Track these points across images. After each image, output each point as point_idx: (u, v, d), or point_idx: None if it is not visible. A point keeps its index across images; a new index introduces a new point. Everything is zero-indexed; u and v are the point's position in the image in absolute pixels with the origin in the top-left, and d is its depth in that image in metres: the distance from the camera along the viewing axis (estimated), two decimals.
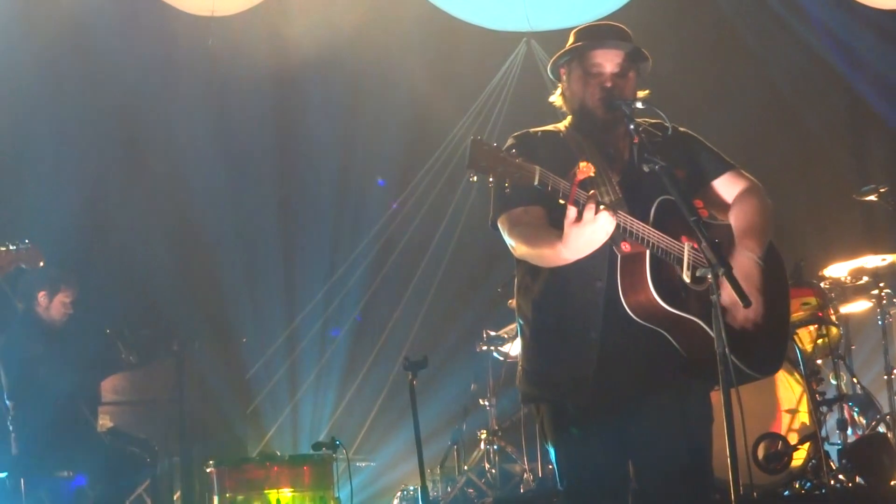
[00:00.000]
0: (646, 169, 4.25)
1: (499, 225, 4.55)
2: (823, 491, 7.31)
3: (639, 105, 4.40)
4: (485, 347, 9.14)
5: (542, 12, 11.04)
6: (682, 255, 4.29)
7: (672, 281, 4.26)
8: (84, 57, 10.62)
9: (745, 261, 4.41)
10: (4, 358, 8.25)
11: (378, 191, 11.79)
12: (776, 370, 4.91)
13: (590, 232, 4.07)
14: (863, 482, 7.43)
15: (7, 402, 8.29)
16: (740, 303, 4.08)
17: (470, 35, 11.39)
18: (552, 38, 11.01)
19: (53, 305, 8.39)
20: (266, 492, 7.03)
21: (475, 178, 4.00)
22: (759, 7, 11.39)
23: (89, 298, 8.62)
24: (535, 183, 4.00)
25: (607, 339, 4.35)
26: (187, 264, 10.80)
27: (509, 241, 4.50)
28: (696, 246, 4.28)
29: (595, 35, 4.62)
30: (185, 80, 10.90)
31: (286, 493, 7.03)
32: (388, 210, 11.69)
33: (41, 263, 6.14)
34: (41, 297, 8.35)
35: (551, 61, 4.69)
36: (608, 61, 4.53)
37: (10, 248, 6.04)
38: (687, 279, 4.27)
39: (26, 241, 6.13)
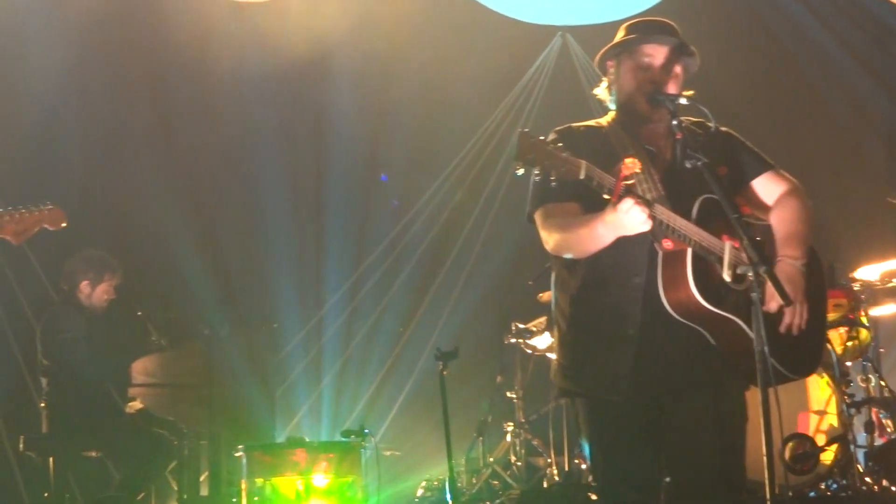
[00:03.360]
0: (688, 165, 4.24)
1: (535, 217, 4.56)
2: (850, 493, 7.30)
3: (683, 101, 4.40)
4: (513, 340, 9.14)
5: (577, 6, 11.04)
6: (723, 254, 4.28)
7: (712, 279, 4.25)
8: (114, 42, 10.65)
9: (788, 267, 4.41)
10: (44, 336, 8.31)
11: (404, 183, 11.77)
12: (812, 372, 4.93)
13: (620, 219, 4.10)
14: (889, 485, 7.42)
15: (41, 378, 8.36)
16: (780, 302, 4.09)
17: (504, 28, 11.39)
18: (587, 33, 11.05)
19: (96, 294, 8.45)
20: (294, 477, 7.06)
21: (521, 171, 4.01)
22: (794, 4, 11.37)
23: (123, 282, 8.65)
24: (582, 177, 4.01)
25: (645, 335, 4.36)
26: (219, 249, 10.82)
27: (543, 233, 4.52)
28: (736, 245, 4.28)
29: (645, 29, 4.63)
30: (214, 66, 10.91)
31: (314, 478, 7.05)
32: (413, 191, 11.68)
33: (63, 224, 6.15)
34: (84, 285, 8.42)
35: (599, 53, 4.69)
36: (656, 55, 4.54)
37: (33, 210, 6.07)
38: (727, 278, 4.26)
39: (48, 202, 6.16)
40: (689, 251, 4.20)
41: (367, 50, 11.23)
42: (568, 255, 4.50)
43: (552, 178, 3.99)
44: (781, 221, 4.59)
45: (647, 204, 4.09)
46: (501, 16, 11.44)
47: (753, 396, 4.16)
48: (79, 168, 10.33)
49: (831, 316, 7.96)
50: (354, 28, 11.00)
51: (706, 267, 4.25)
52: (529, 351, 9.13)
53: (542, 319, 8.90)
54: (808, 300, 4.43)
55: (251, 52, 10.94)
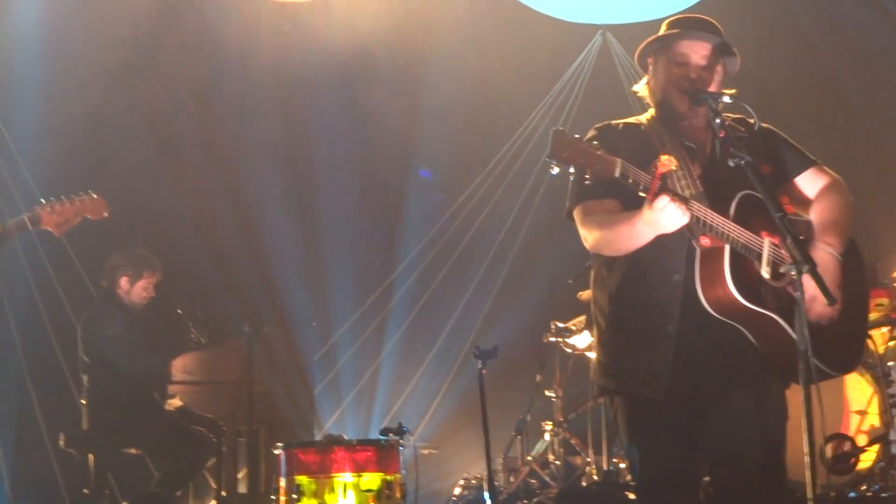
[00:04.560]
0: (731, 164, 4.21)
1: (574, 215, 4.56)
2: (891, 494, 7.23)
3: (726, 99, 4.36)
4: (552, 338, 9.11)
5: (618, 5, 11.01)
6: (762, 251, 4.26)
7: (751, 277, 4.23)
8: (159, 42, 10.71)
9: (823, 255, 4.39)
10: (85, 334, 8.36)
11: (444, 181, 11.77)
12: (853, 368, 4.90)
13: (655, 217, 4.08)
14: None
15: (82, 375, 8.41)
16: (821, 299, 4.06)
17: (545, 26, 11.38)
18: (628, 31, 11.01)
19: (134, 290, 8.50)
20: (332, 475, 7.04)
21: (556, 170, 4.00)
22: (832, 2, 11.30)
23: (164, 280, 8.69)
24: (616, 175, 4.00)
25: (684, 332, 4.34)
26: (260, 247, 10.85)
27: (582, 230, 4.51)
28: (775, 242, 4.25)
29: (687, 25, 4.61)
30: (257, 65, 10.95)
31: (352, 476, 7.04)
32: (454, 189, 11.68)
33: (105, 214, 6.15)
34: (123, 281, 8.47)
35: (639, 50, 4.68)
36: (695, 52, 4.52)
37: (74, 199, 6.07)
38: (766, 275, 4.24)
39: (90, 191, 6.16)
40: (727, 248, 4.18)
41: (409, 49, 11.25)
42: (607, 253, 4.48)
43: (587, 176, 3.97)
44: (821, 212, 4.57)
45: (684, 200, 4.07)
46: (543, 15, 11.42)
47: (794, 395, 4.13)
48: (122, 166, 10.38)
49: (873, 315, 7.89)
50: (396, 27, 11.02)
51: (744, 264, 4.23)
52: (569, 350, 9.09)
53: (582, 318, 8.87)
54: (844, 292, 4.40)
55: (294, 51, 11.01)
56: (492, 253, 11.53)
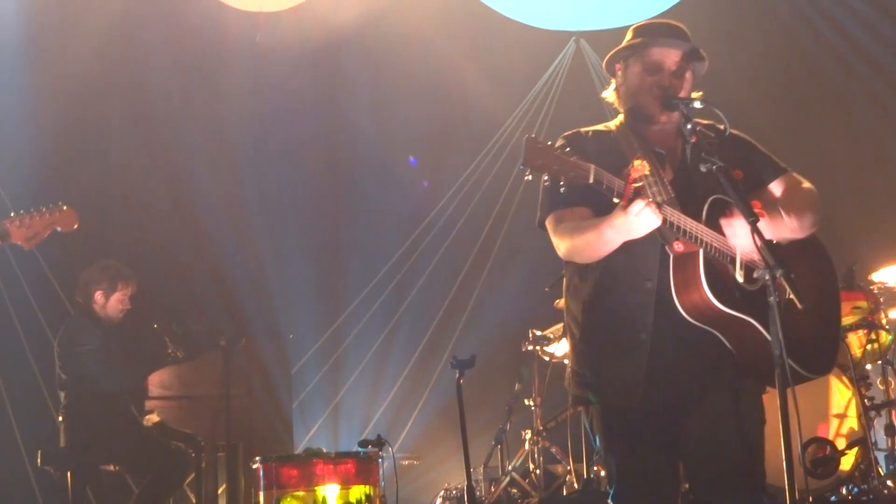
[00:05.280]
0: (703, 169, 4.19)
1: (546, 224, 4.54)
2: (871, 497, 7.24)
3: (697, 105, 4.35)
4: (530, 347, 9.10)
5: (591, 11, 11.04)
6: (735, 255, 4.26)
7: (725, 281, 4.23)
8: (131, 53, 10.69)
9: (769, 221, 4.35)
10: (61, 350, 8.31)
11: (423, 189, 11.76)
12: (829, 369, 4.89)
13: (631, 221, 4.07)
14: None
15: (59, 392, 8.36)
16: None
17: (519, 33, 11.40)
18: (601, 38, 11.03)
19: (110, 304, 8.43)
20: (312, 488, 7.01)
21: (530, 177, 3.98)
22: (808, 4, 11.34)
23: (138, 294, 8.64)
24: (591, 181, 3.99)
25: (658, 340, 4.33)
26: (234, 260, 10.82)
27: (555, 239, 4.51)
28: None
29: (654, 32, 4.60)
30: (231, 75, 10.94)
31: (332, 489, 7.01)
32: (428, 199, 11.67)
33: (76, 226, 6.09)
34: (98, 295, 8.39)
35: (608, 56, 4.67)
36: (666, 59, 4.52)
37: (43, 212, 6.01)
38: (740, 279, 4.24)
39: (60, 203, 6.10)
40: (701, 252, 4.17)
41: (381, 57, 11.27)
42: (579, 261, 4.47)
43: (561, 183, 3.96)
44: (786, 200, 4.56)
45: (658, 205, 4.06)
46: (516, 22, 11.45)
47: (772, 399, 4.11)
48: (94, 180, 10.35)
49: (851, 318, 7.93)
50: (368, 37, 11.04)
51: (718, 268, 4.23)
52: (547, 358, 9.09)
53: (560, 326, 8.86)
54: (817, 294, 4.42)
55: (266, 63, 10.96)
56: (468, 262, 11.52)
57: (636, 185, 4.02)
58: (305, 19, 10.97)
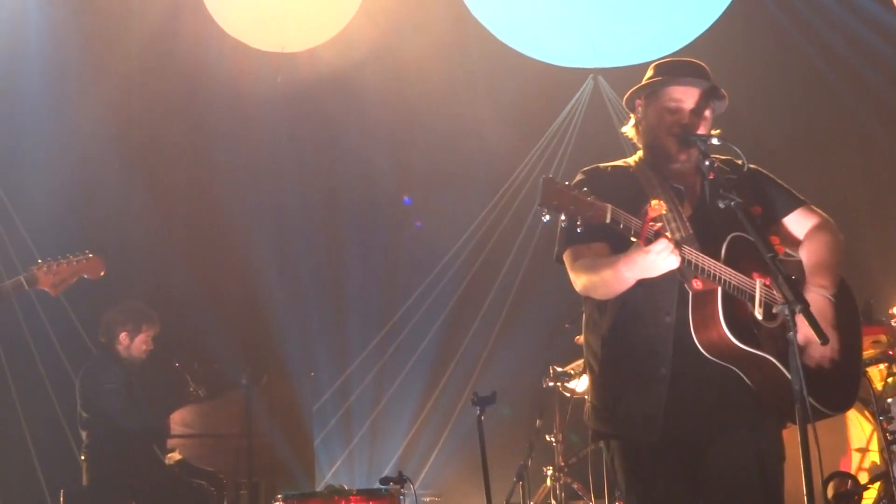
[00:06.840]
0: (721, 205, 4.20)
1: (563, 259, 4.57)
2: None
3: (714, 141, 4.38)
4: (551, 383, 9.09)
5: (609, 49, 11.07)
6: (754, 292, 4.27)
7: (744, 318, 4.23)
8: (154, 94, 10.77)
9: (816, 297, 4.40)
10: (83, 389, 8.35)
11: (439, 228, 11.77)
12: (849, 407, 4.87)
13: (652, 260, 4.08)
14: None
15: (81, 431, 8.39)
16: (814, 339, 4.05)
17: (536, 71, 11.42)
18: (619, 75, 11.05)
19: (134, 345, 8.48)
20: None
21: (547, 216, 3.99)
22: (830, 34, 11.34)
23: (161, 333, 8.69)
24: (607, 221, 4.00)
25: (677, 375, 4.33)
26: (255, 299, 10.85)
27: (571, 275, 4.53)
28: (767, 283, 4.26)
29: (675, 71, 4.63)
30: (254, 116, 11.00)
31: None
32: (448, 237, 11.68)
33: (102, 273, 6.18)
34: (122, 336, 8.45)
35: (628, 93, 4.70)
36: (686, 97, 4.54)
37: (71, 259, 6.09)
38: (759, 316, 4.24)
39: (87, 251, 6.18)
40: (720, 290, 4.18)
41: (401, 97, 11.28)
42: (596, 297, 4.49)
43: (578, 223, 3.98)
44: (811, 253, 4.60)
45: (676, 245, 4.07)
46: (534, 60, 11.48)
47: (791, 435, 4.11)
48: (117, 221, 10.41)
49: (870, 352, 7.89)
50: (387, 76, 11.08)
51: (737, 305, 4.23)
52: (568, 394, 9.08)
53: (580, 362, 8.83)
54: (839, 332, 4.41)
55: (285, 103, 11.02)
56: (489, 299, 11.52)
57: (654, 224, 4.04)
58: (320, 59, 11.03)
